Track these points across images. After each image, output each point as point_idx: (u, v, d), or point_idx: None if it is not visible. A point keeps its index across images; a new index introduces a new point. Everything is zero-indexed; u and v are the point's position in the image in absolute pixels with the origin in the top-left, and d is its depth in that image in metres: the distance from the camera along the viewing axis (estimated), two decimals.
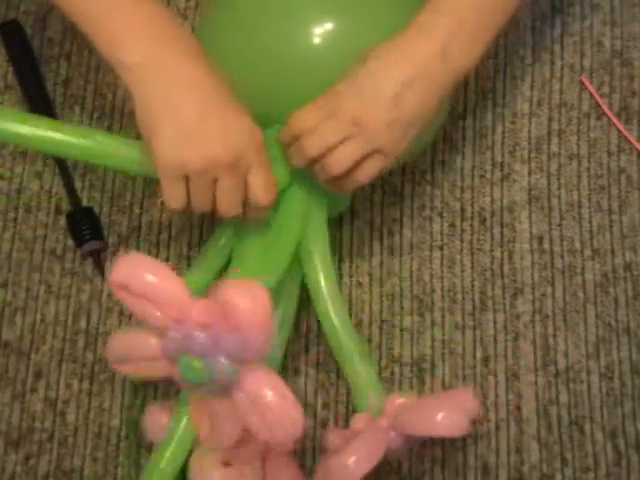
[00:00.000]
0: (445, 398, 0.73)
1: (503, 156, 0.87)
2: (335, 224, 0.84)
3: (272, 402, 0.61)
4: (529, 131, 0.87)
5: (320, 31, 0.73)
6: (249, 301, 0.59)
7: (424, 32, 0.69)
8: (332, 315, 0.73)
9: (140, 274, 0.61)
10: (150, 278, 0.61)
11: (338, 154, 0.68)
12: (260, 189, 0.68)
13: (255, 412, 0.62)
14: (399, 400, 0.73)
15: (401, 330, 0.83)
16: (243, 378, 0.62)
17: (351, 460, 0.66)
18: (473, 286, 0.84)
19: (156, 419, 0.74)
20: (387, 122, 0.68)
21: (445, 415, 0.67)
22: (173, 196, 0.67)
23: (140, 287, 0.61)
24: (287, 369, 0.81)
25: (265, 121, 0.71)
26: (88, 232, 0.84)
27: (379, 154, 0.69)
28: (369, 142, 0.68)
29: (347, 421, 0.77)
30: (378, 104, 0.68)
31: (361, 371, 0.73)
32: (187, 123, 0.65)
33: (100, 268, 0.84)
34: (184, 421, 0.68)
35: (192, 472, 0.67)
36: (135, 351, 0.66)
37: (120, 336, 0.69)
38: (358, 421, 0.72)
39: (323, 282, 0.73)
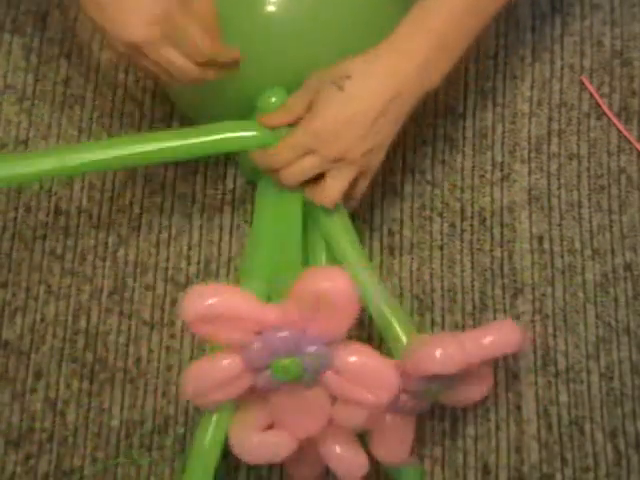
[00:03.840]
0: (445, 335, 0.73)
1: (503, 156, 0.87)
2: None
3: (370, 366, 0.64)
4: (529, 131, 0.87)
5: None
6: (334, 283, 0.60)
7: (402, 52, 0.69)
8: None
9: (214, 302, 0.61)
10: (224, 302, 0.61)
11: (327, 189, 0.71)
12: (198, 39, 0.68)
13: (354, 381, 0.63)
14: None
15: None
16: (334, 356, 0.63)
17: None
18: (473, 286, 0.84)
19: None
20: (365, 151, 0.70)
21: (440, 352, 0.65)
22: (141, 68, 0.71)
23: (217, 313, 0.61)
24: None
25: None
26: None
27: (362, 175, 0.72)
28: (352, 170, 0.70)
29: None
30: (357, 142, 0.69)
31: (388, 312, 0.71)
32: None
33: None
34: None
35: (232, 437, 0.67)
36: (218, 376, 0.65)
37: (196, 368, 0.66)
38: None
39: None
